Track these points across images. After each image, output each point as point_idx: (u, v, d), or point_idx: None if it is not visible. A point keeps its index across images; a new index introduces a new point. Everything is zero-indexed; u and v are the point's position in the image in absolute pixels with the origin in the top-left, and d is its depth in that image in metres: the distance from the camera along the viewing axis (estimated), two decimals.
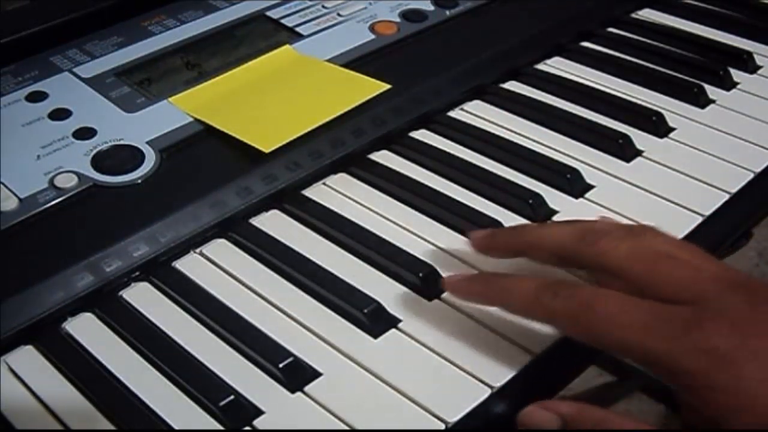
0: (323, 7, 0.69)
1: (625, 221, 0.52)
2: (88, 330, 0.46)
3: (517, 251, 0.45)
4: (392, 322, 0.46)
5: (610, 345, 0.38)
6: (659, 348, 0.36)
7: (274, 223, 0.53)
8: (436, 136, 0.60)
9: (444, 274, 0.48)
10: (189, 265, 0.50)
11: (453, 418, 0.41)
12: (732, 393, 0.34)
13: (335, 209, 0.53)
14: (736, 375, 0.34)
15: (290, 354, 0.43)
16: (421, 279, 0.48)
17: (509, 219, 0.52)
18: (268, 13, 0.68)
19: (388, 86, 0.60)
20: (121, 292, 0.48)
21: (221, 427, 0.41)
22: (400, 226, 0.52)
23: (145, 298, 0.48)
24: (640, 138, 0.59)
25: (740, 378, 0.34)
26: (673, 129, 0.60)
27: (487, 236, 0.47)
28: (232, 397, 0.41)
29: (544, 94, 0.64)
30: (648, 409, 1.19)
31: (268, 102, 0.59)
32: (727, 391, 0.34)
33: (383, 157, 0.58)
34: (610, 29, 0.72)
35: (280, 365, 0.43)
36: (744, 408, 0.34)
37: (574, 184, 0.55)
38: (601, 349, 0.39)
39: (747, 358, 0.34)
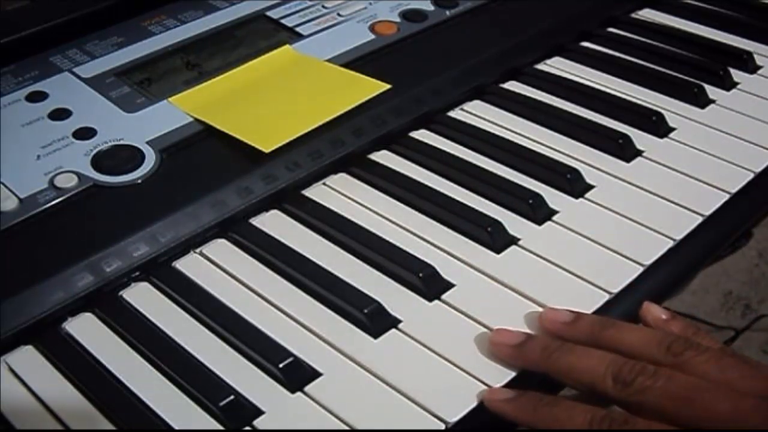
0: (323, 7, 0.69)
1: (625, 221, 0.52)
2: (88, 330, 0.46)
3: (549, 372, 0.42)
4: (392, 322, 0.46)
5: None
6: None
7: (274, 223, 0.53)
8: (436, 136, 0.60)
9: (444, 275, 0.48)
10: (189, 265, 0.50)
11: (453, 418, 0.41)
12: None
13: (335, 209, 0.53)
14: None
15: (290, 354, 0.43)
16: (421, 279, 0.48)
17: (509, 219, 0.52)
18: (268, 13, 0.68)
19: (388, 86, 0.60)
20: (121, 292, 0.48)
21: (221, 427, 0.41)
22: (400, 226, 0.52)
23: (145, 298, 0.48)
24: (640, 138, 0.59)
25: None
26: (673, 129, 0.60)
27: (514, 348, 0.44)
28: (232, 397, 0.41)
29: (544, 94, 0.64)
30: None
31: (268, 102, 0.59)
32: None
33: (383, 157, 0.58)
34: (610, 29, 0.72)
35: (280, 365, 0.43)
36: None
37: (574, 184, 0.55)
38: None
39: None
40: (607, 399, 0.39)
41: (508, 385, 0.42)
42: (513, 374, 0.43)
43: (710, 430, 0.36)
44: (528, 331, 0.45)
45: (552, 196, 0.54)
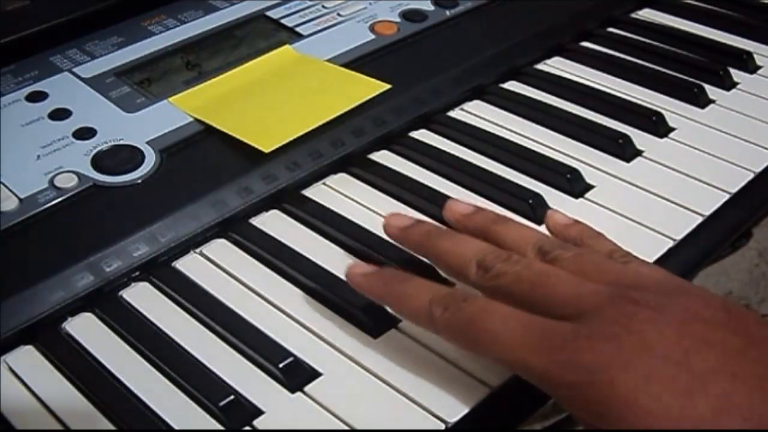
0: (323, 7, 0.69)
1: (625, 221, 0.52)
2: (88, 330, 0.46)
3: (425, 255, 0.45)
4: (392, 322, 0.46)
5: (494, 359, 0.39)
6: (537, 363, 0.36)
7: (274, 223, 0.53)
8: (436, 136, 0.60)
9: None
10: (189, 265, 0.50)
11: (453, 418, 0.41)
12: (605, 403, 0.34)
13: (335, 209, 0.53)
14: (610, 386, 0.34)
15: (290, 354, 0.43)
16: None
17: None
18: (268, 13, 0.68)
19: (388, 86, 0.60)
20: (121, 292, 0.48)
21: (221, 427, 0.41)
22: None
23: (145, 298, 0.48)
24: (640, 138, 0.59)
25: (614, 388, 0.34)
26: (673, 129, 0.60)
27: (401, 228, 0.46)
28: (232, 397, 0.41)
29: (544, 94, 0.64)
30: None
31: (268, 102, 0.59)
32: (602, 402, 0.34)
33: (383, 157, 0.58)
34: (610, 29, 0.72)
35: (280, 365, 0.43)
36: (620, 417, 0.34)
37: (574, 184, 0.55)
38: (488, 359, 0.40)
39: (620, 368, 0.34)
40: (469, 285, 0.41)
41: (508, 385, 0.42)
42: (512, 375, 0.43)
43: (550, 311, 0.38)
44: None
45: (552, 196, 0.54)
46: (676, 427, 0.33)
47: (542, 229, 0.48)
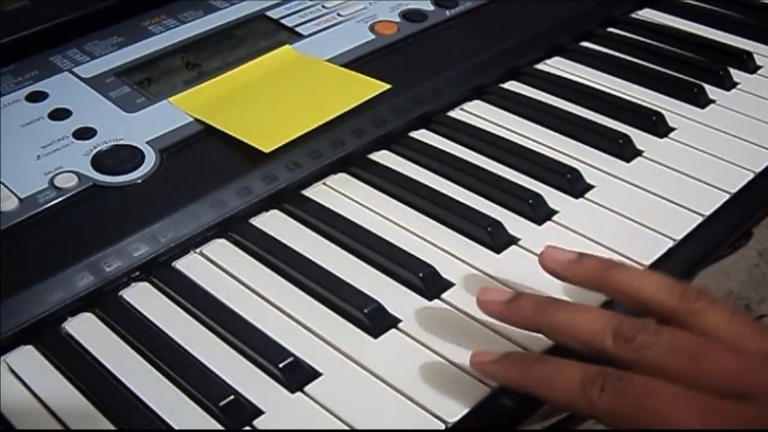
0: (323, 7, 0.69)
1: (625, 221, 0.52)
2: (88, 330, 0.46)
3: (544, 330, 0.40)
4: (392, 322, 0.46)
5: None
6: None
7: (274, 223, 0.53)
8: (436, 136, 0.60)
9: (444, 275, 0.48)
10: (189, 265, 0.50)
11: (453, 418, 0.41)
12: None
13: (335, 209, 0.53)
14: None
15: (290, 354, 0.43)
16: (421, 279, 0.48)
17: (509, 219, 0.52)
18: (268, 13, 0.68)
19: (388, 86, 0.60)
20: (121, 292, 0.48)
21: (221, 427, 0.41)
22: (400, 226, 0.52)
23: (145, 298, 0.48)
24: (640, 138, 0.59)
25: None
26: (673, 129, 0.60)
27: (505, 303, 0.41)
28: (232, 397, 0.41)
29: (544, 94, 0.64)
30: None
31: (268, 102, 0.59)
32: None
33: (383, 157, 0.58)
34: (610, 29, 0.72)
35: (280, 365, 0.43)
36: None
37: (574, 184, 0.55)
38: None
39: None
40: (607, 357, 0.37)
41: (507, 386, 0.42)
42: None
43: (717, 388, 0.34)
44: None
45: (552, 196, 0.54)
46: None
47: None
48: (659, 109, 0.61)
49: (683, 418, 0.34)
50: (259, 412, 0.41)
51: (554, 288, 0.47)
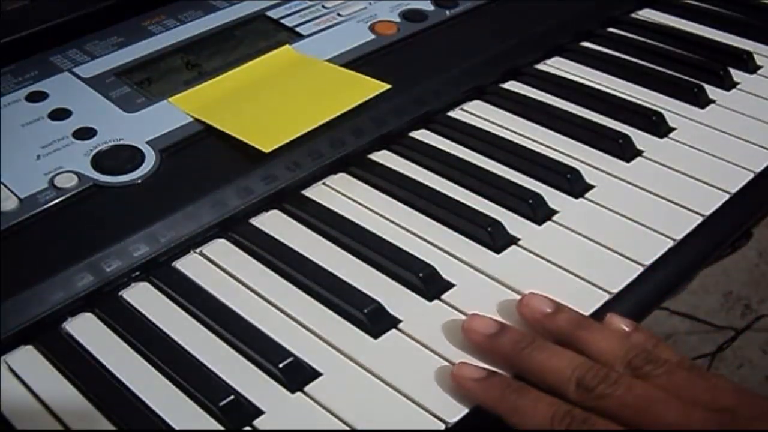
0: (323, 7, 0.69)
1: (625, 221, 0.52)
2: (88, 330, 0.46)
3: (518, 369, 0.43)
4: (392, 322, 0.46)
5: None
6: None
7: (274, 223, 0.53)
8: (436, 136, 0.60)
9: (444, 275, 0.48)
10: (189, 265, 0.50)
11: (453, 418, 0.41)
12: None
13: (335, 209, 0.53)
14: None
15: (290, 354, 0.43)
16: (421, 279, 0.48)
17: (509, 219, 0.52)
18: (268, 13, 0.68)
19: (388, 86, 0.60)
20: (121, 292, 0.48)
21: (221, 427, 0.41)
22: (400, 226, 0.52)
23: (145, 298, 0.48)
24: (640, 138, 0.59)
25: None
26: (673, 129, 0.60)
27: (488, 337, 0.44)
28: (232, 397, 0.41)
29: (544, 94, 0.64)
30: None
31: (268, 102, 0.59)
32: None
33: (383, 157, 0.58)
34: (610, 29, 0.72)
35: (280, 365, 0.43)
36: None
37: (574, 184, 0.55)
38: None
39: None
40: (569, 402, 0.40)
41: None
42: (513, 372, 0.43)
43: None
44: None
45: (552, 196, 0.54)
46: None
47: None
48: (659, 109, 0.61)
49: None
50: (259, 412, 0.41)
51: (553, 290, 0.47)
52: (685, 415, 0.39)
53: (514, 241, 0.51)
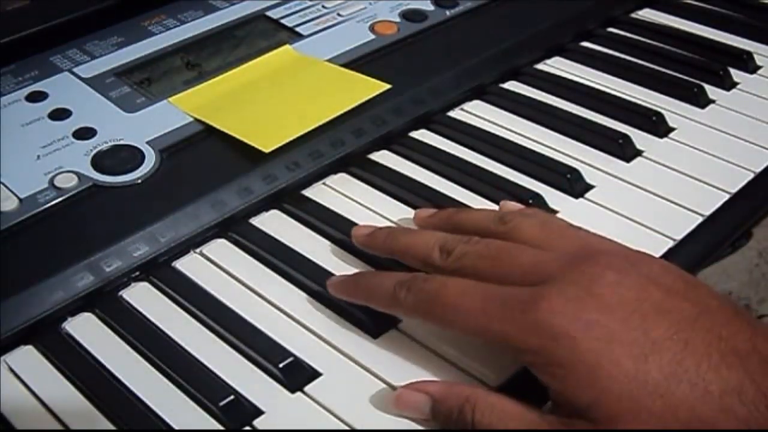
0: (323, 7, 0.69)
1: (625, 221, 0.52)
2: (88, 330, 0.46)
3: (392, 253, 0.47)
4: (392, 322, 0.46)
5: (461, 331, 0.40)
6: (499, 329, 0.38)
7: (274, 223, 0.53)
8: (436, 136, 0.60)
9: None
10: (189, 265, 0.50)
11: None
12: (570, 366, 0.35)
13: (335, 209, 0.53)
14: (572, 349, 0.35)
15: (290, 354, 0.43)
16: None
17: None
18: (268, 13, 0.68)
19: (388, 86, 0.60)
20: (121, 292, 0.48)
21: (221, 427, 0.41)
22: (400, 226, 0.52)
23: (145, 298, 0.48)
24: (640, 138, 0.59)
25: (576, 351, 0.35)
26: (673, 129, 0.60)
27: (367, 235, 0.48)
28: (232, 397, 0.41)
29: (544, 94, 0.64)
30: None
31: (268, 102, 0.59)
32: (566, 365, 0.36)
33: (383, 157, 0.58)
34: (610, 29, 0.72)
35: (280, 365, 0.43)
36: (583, 380, 0.35)
37: (574, 184, 0.55)
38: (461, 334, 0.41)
39: (581, 330, 0.36)
40: (435, 270, 0.43)
41: (508, 384, 0.42)
42: (513, 371, 0.43)
43: (513, 281, 0.39)
44: None
45: (552, 196, 0.54)
46: (631, 390, 0.34)
47: None
48: (659, 109, 0.61)
49: (466, 304, 0.39)
50: (259, 412, 0.41)
51: None
52: (538, 257, 0.40)
53: None
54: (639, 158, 0.58)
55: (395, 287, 0.42)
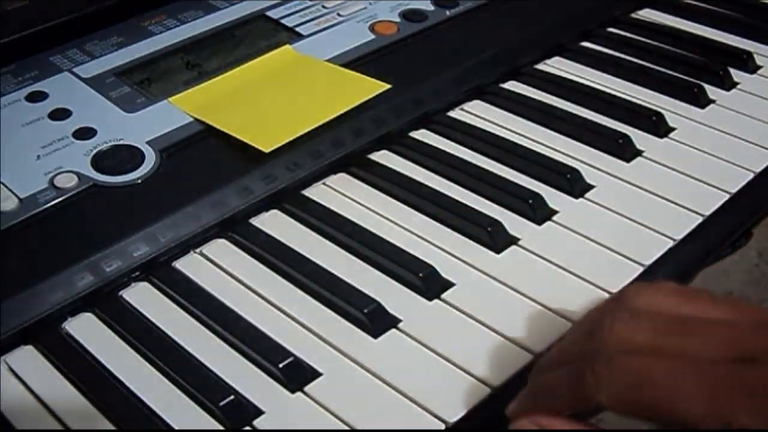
0: (323, 7, 0.69)
1: (625, 221, 0.52)
2: (88, 330, 0.46)
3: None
4: (392, 322, 0.46)
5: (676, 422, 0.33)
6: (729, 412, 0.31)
7: (274, 223, 0.53)
8: (436, 136, 0.60)
9: (444, 275, 0.48)
10: (189, 265, 0.50)
11: (453, 418, 0.41)
12: None
13: (335, 209, 0.53)
14: None
15: (290, 354, 0.43)
16: (421, 279, 0.48)
17: (509, 219, 0.52)
18: (268, 13, 0.68)
19: (388, 86, 0.60)
20: (121, 292, 0.48)
21: (221, 427, 0.41)
22: (400, 226, 0.52)
23: (145, 298, 0.48)
24: (640, 138, 0.59)
25: None
26: (673, 129, 0.60)
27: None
28: (232, 397, 0.41)
29: (544, 94, 0.64)
30: None
31: (268, 102, 0.59)
32: None
33: (383, 157, 0.58)
34: (610, 29, 0.72)
35: (280, 365, 0.43)
36: None
37: (574, 184, 0.55)
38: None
39: None
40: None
41: (508, 385, 0.42)
42: (513, 372, 0.43)
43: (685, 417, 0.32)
44: (528, 329, 0.45)
45: (552, 196, 0.54)
46: None
47: None
48: (659, 109, 0.61)
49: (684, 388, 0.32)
50: (259, 412, 0.41)
51: (553, 290, 0.47)
52: (734, 328, 0.34)
53: (514, 241, 0.51)
54: (639, 158, 0.58)
55: (577, 376, 0.34)
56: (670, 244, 0.50)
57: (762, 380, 0.32)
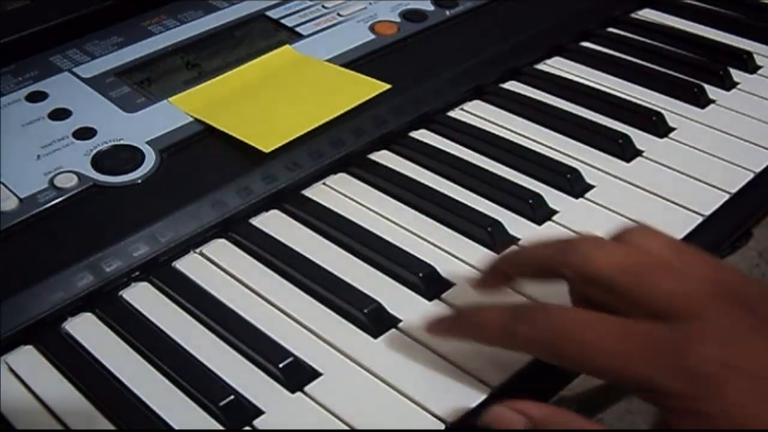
0: (323, 7, 0.69)
1: (625, 221, 0.52)
2: (88, 330, 0.46)
3: (504, 275, 0.44)
4: (392, 322, 0.46)
5: (589, 372, 0.36)
6: (642, 373, 0.34)
7: (274, 223, 0.53)
8: (436, 136, 0.60)
9: (444, 275, 0.48)
10: (189, 265, 0.50)
11: (453, 418, 0.41)
12: (714, 418, 0.33)
13: (335, 209, 0.53)
14: (721, 400, 0.33)
15: (290, 354, 0.43)
16: (421, 279, 0.48)
17: (509, 219, 0.52)
18: (268, 13, 0.68)
19: (388, 86, 0.60)
20: (121, 292, 0.48)
21: (221, 427, 0.41)
22: (400, 226, 0.52)
23: (145, 298, 0.48)
24: (640, 138, 0.59)
25: (724, 404, 0.33)
26: (673, 129, 0.60)
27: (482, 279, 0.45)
28: (232, 397, 0.41)
29: (544, 94, 0.64)
30: (647, 408, 1.19)
31: (268, 102, 0.59)
32: (711, 415, 0.33)
33: (383, 157, 0.58)
34: (610, 29, 0.72)
35: (280, 365, 0.43)
36: None
37: (574, 184, 0.55)
38: (580, 372, 0.38)
39: (733, 381, 0.33)
40: (557, 272, 0.40)
41: (508, 385, 0.42)
42: (513, 372, 0.43)
43: (650, 309, 0.36)
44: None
45: (552, 196, 0.54)
46: None
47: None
48: (659, 109, 0.61)
49: (600, 342, 0.35)
50: (259, 412, 0.41)
51: (552, 289, 0.47)
52: (682, 282, 0.36)
53: (514, 241, 0.51)
54: (639, 158, 0.58)
55: (509, 320, 0.38)
56: None
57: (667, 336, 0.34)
